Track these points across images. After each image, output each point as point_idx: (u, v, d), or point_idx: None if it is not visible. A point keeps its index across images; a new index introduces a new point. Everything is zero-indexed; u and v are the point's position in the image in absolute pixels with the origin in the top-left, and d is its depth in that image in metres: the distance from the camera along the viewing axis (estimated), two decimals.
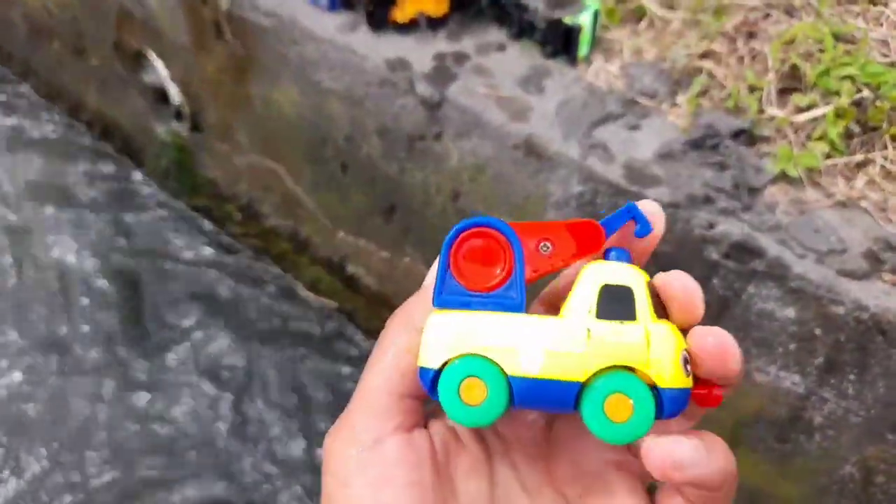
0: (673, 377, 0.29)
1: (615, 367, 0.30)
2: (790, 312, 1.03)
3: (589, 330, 0.30)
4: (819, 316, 1.00)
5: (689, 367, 0.30)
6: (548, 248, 0.33)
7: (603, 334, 0.30)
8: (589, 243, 0.33)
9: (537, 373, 0.30)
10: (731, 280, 1.07)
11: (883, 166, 1.09)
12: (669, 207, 1.07)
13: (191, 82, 1.69)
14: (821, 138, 1.11)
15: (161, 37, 1.65)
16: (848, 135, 1.11)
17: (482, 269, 0.32)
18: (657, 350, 0.30)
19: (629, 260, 0.33)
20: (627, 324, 0.30)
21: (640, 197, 1.09)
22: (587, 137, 1.16)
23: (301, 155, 1.56)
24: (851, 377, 1.01)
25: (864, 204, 1.06)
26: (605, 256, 0.33)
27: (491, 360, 0.31)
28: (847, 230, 1.03)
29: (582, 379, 0.30)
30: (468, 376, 0.31)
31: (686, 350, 0.30)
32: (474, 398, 0.30)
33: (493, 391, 0.30)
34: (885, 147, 1.10)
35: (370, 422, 0.32)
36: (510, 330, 0.31)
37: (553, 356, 0.30)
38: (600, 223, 0.33)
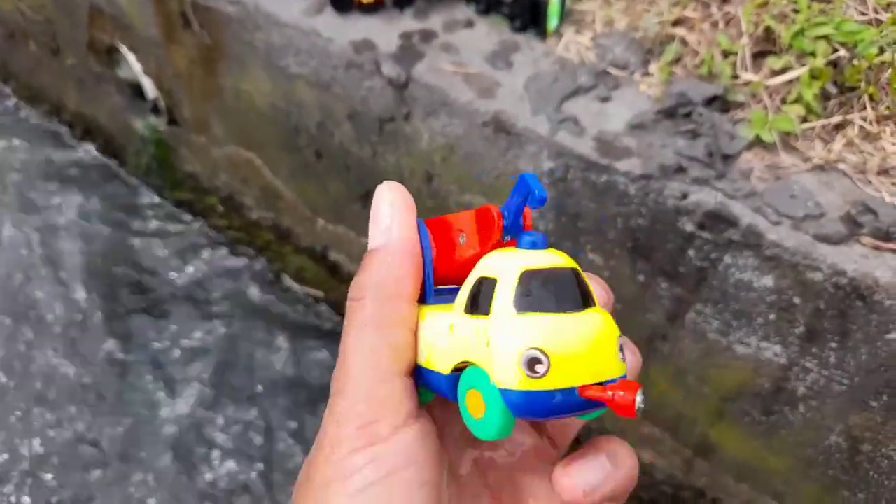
0: (510, 378, 0.26)
1: (468, 362, 0.28)
2: (768, 281, 1.00)
3: (452, 325, 0.30)
4: (797, 284, 0.98)
5: (538, 368, 0.26)
6: (464, 238, 0.32)
7: (461, 330, 0.29)
8: (488, 229, 0.32)
9: (423, 363, 0.31)
10: (707, 251, 1.04)
11: (862, 127, 1.05)
12: (642, 179, 1.04)
13: (164, 76, 1.67)
14: (796, 101, 1.07)
15: (132, 31, 1.63)
16: (825, 96, 1.08)
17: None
18: (495, 348, 0.27)
19: (544, 244, 0.30)
20: (479, 318, 0.28)
21: (612, 170, 1.06)
22: (557, 112, 1.13)
23: (276, 144, 1.54)
24: (833, 345, 0.99)
25: (842, 166, 1.03)
26: (519, 243, 0.31)
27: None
28: (825, 194, 1.00)
29: (447, 372, 0.29)
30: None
31: (537, 348, 0.26)
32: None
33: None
34: (864, 107, 1.07)
35: (379, 411, 0.29)
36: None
37: (431, 349, 0.30)
38: (501, 208, 0.32)
